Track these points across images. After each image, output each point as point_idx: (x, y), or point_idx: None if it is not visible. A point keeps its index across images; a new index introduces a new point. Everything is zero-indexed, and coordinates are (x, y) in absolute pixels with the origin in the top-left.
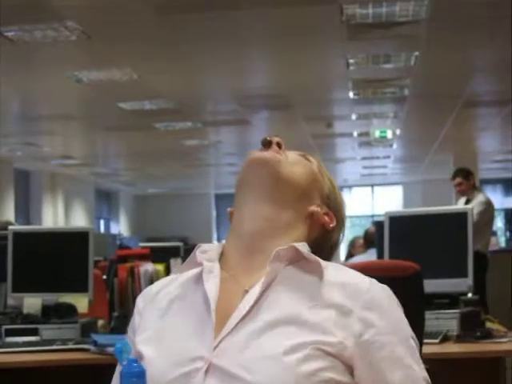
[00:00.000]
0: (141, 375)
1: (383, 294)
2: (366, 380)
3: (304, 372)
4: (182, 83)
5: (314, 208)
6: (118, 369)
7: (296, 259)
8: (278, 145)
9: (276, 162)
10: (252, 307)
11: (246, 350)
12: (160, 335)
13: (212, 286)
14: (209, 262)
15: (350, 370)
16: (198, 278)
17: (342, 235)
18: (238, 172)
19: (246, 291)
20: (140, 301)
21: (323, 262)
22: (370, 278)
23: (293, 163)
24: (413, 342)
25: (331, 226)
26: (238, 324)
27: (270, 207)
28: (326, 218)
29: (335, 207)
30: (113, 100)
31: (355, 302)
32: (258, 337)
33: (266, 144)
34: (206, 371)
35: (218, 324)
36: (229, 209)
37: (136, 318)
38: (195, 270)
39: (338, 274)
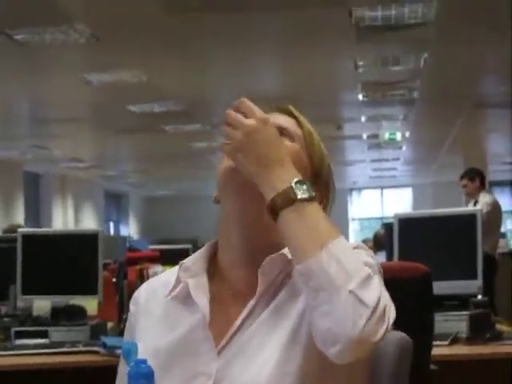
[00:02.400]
0: (149, 376)
1: None
2: None
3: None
4: (191, 85)
5: None
6: (122, 370)
7: (287, 264)
8: None
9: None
10: (247, 318)
11: (247, 360)
12: (157, 354)
13: (204, 302)
14: (194, 279)
15: None
16: (187, 295)
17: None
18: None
19: (244, 304)
20: (132, 307)
21: None
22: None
23: None
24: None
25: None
26: (235, 334)
27: (256, 206)
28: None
29: (325, 178)
30: (122, 102)
31: None
32: (257, 348)
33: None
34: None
35: (215, 340)
36: (214, 195)
37: (132, 321)
38: (183, 288)
39: None
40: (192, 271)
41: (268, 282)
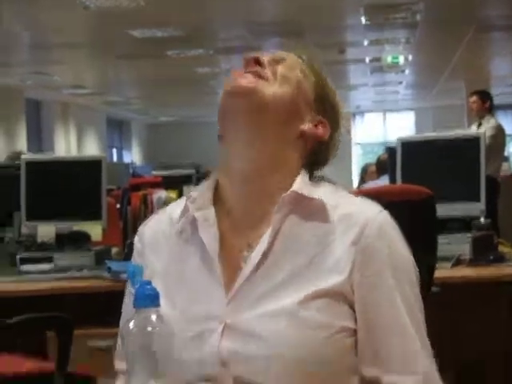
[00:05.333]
0: (155, 297)
1: (392, 225)
2: (360, 327)
3: (319, 323)
4: (192, 10)
5: (303, 127)
6: (129, 293)
7: (299, 201)
8: (258, 62)
9: (251, 92)
10: (260, 262)
11: (259, 306)
12: (167, 290)
13: (211, 239)
14: (201, 211)
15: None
16: (195, 230)
17: (339, 135)
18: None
19: (250, 245)
20: (137, 241)
21: (325, 197)
22: (380, 208)
23: (272, 84)
24: (417, 290)
25: (327, 135)
26: (247, 280)
27: (258, 142)
28: (320, 128)
29: (328, 105)
30: (122, 27)
31: (361, 231)
32: (270, 292)
33: (245, 64)
34: (222, 331)
35: (224, 280)
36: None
37: (137, 260)
38: (190, 219)
39: (344, 206)
40: (199, 203)
41: (278, 225)
